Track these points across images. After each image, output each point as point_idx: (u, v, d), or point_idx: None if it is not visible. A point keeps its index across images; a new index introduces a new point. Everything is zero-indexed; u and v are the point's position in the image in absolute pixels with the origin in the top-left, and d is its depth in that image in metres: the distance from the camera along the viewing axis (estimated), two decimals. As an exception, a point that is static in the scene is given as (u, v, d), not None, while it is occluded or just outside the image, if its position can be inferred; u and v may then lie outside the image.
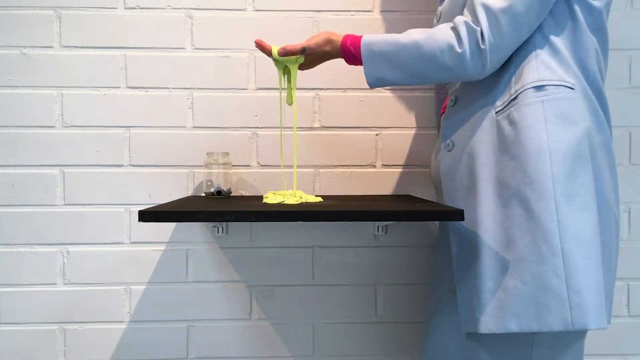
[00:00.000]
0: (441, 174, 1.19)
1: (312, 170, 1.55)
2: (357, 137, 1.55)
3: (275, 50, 1.23)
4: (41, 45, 1.51)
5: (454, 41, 1.06)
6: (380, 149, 1.55)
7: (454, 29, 1.07)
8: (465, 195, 1.13)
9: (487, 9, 1.04)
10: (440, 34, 1.07)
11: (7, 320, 1.51)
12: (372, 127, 1.55)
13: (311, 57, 1.22)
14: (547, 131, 1.04)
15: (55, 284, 1.52)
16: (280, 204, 1.20)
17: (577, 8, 1.07)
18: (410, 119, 1.55)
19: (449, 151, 1.17)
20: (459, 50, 1.05)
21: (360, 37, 1.16)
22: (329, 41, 1.19)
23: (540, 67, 1.07)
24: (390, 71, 1.12)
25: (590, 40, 1.08)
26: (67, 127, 1.51)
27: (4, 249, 1.51)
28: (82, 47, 1.51)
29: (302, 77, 1.53)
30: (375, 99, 1.55)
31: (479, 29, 1.04)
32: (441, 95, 1.39)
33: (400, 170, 1.56)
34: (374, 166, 1.56)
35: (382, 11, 1.55)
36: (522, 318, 1.02)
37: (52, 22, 1.51)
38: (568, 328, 0.99)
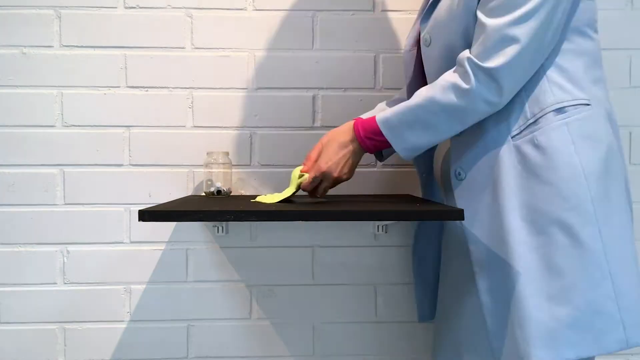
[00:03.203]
0: (457, 203, 1.15)
1: (312, 170, 1.54)
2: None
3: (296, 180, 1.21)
4: (41, 45, 1.51)
5: (458, 80, 1.04)
6: (380, 149, 1.55)
7: (459, 67, 1.05)
8: (488, 224, 1.10)
9: (494, 30, 1.02)
10: (444, 81, 1.06)
11: (7, 320, 1.51)
12: (372, 127, 1.55)
13: (334, 169, 1.18)
14: (577, 154, 1.04)
15: (55, 283, 1.52)
16: (280, 204, 1.20)
17: (570, 34, 1.08)
18: (410, 119, 1.55)
19: (460, 180, 1.14)
20: (467, 87, 1.03)
21: (373, 120, 1.13)
22: (343, 146, 1.17)
23: (554, 88, 1.06)
24: (417, 136, 1.10)
25: (591, 53, 1.09)
26: (67, 127, 1.51)
27: (4, 249, 1.51)
28: (82, 46, 1.51)
29: (302, 77, 1.54)
30: (375, 99, 1.55)
31: (483, 52, 1.02)
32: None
33: (400, 170, 1.56)
34: (374, 166, 1.56)
35: (382, 11, 1.55)
36: (578, 345, 1.01)
37: (52, 22, 1.51)
38: (624, 347, 1.01)
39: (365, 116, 1.23)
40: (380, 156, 1.33)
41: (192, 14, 1.53)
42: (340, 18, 1.54)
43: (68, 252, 1.52)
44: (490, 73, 1.02)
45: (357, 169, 1.54)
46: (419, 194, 1.53)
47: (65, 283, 1.52)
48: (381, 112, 1.14)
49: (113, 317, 1.53)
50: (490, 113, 1.08)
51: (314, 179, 1.19)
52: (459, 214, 1.02)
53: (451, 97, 1.05)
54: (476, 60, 1.03)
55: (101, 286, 1.53)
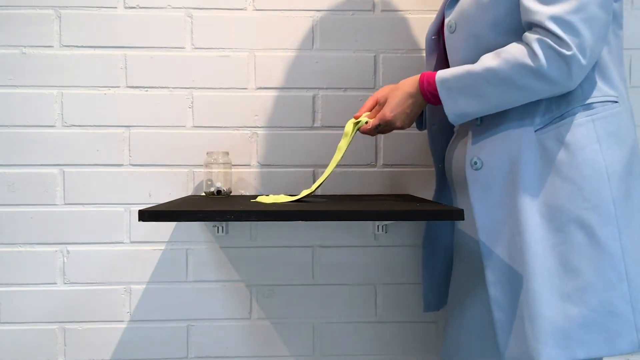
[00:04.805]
0: (470, 193, 1.13)
1: (311, 170, 1.55)
2: (357, 136, 1.54)
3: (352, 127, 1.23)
4: (41, 44, 1.51)
5: (526, 59, 1.00)
6: (380, 149, 1.56)
7: (526, 46, 1.01)
8: (503, 217, 1.09)
9: (556, 18, 0.98)
10: (509, 55, 1.02)
11: (7, 320, 1.51)
12: (372, 127, 1.55)
13: (400, 116, 1.18)
14: (602, 153, 1.03)
15: (55, 283, 1.52)
16: (279, 204, 1.20)
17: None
18: (410, 119, 1.55)
19: (476, 170, 1.12)
20: (534, 66, 0.99)
21: (434, 76, 1.11)
22: (409, 96, 1.16)
23: (583, 84, 1.05)
24: (469, 103, 1.07)
25: (617, 50, 1.09)
26: (67, 126, 1.51)
27: (4, 249, 1.51)
28: (82, 46, 1.51)
29: (302, 77, 1.54)
30: (375, 99, 1.55)
31: (553, 37, 0.98)
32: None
33: (400, 170, 1.56)
34: (374, 166, 1.56)
35: (382, 11, 1.55)
36: (590, 345, 1.01)
37: (52, 22, 1.51)
38: (636, 349, 1.01)
39: None
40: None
41: (192, 14, 1.53)
42: (340, 18, 1.54)
43: (68, 252, 1.52)
44: (565, 58, 0.97)
45: (357, 169, 1.55)
46: (419, 193, 1.53)
47: (65, 283, 1.52)
48: (442, 71, 1.10)
49: (113, 317, 1.53)
50: (548, 96, 1.05)
51: (378, 126, 1.19)
52: (459, 214, 1.02)
53: (514, 73, 1.01)
54: (552, 43, 0.98)
55: (101, 286, 1.53)
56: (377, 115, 1.19)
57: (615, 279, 1.01)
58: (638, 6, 1.57)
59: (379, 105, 1.21)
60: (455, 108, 1.09)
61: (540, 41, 0.99)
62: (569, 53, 0.97)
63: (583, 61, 0.98)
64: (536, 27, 1.00)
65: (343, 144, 1.25)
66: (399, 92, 1.17)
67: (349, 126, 1.24)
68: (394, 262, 1.56)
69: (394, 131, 1.54)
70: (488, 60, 1.04)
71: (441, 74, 1.10)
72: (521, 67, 1.01)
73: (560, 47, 0.97)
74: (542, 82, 1.00)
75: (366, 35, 1.54)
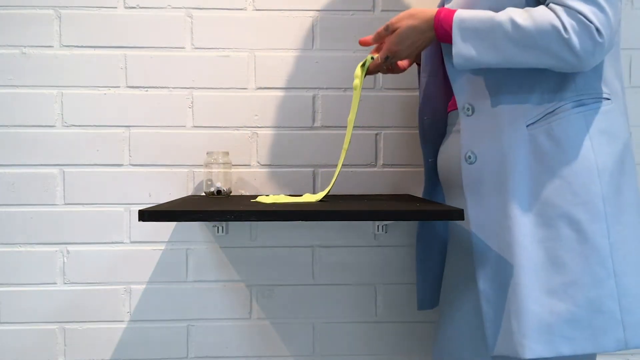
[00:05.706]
0: (464, 187, 1.13)
1: (311, 170, 1.55)
2: (357, 136, 1.55)
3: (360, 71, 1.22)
4: (41, 44, 1.51)
5: (557, 23, 0.97)
6: (380, 149, 1.56)
7: (554, 12, 0.99)
8: (493, 211, 1.09)
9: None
10: (539, 15, 0.99)
11: (7, 320, 1.51)
12: (372, 127, 1.55)
13: (403, 44, 1.14)
14: (593, 149, 1.03)
15: (55, 283, 1.52)
16: (279, 204, 1.20)
17: None
18: (410, 119, 1.55)
19: (470, 164, 1.12)
20: (564, 34, 0.97)
21: (453, 13, 1.07)
22: (419, 32, 1.11)
23: (577, 79, 1.04)
24: (479, 50, 1.03)
25: (617, 44, 1.08)
26: (67, 126, 1.51)
27: (4, 249, 1.51)
28: (82, 46, 1.51)
29: (302, 77, 1.54)
30: (375, 99, 1.55)
31: (580, 14, 0.97)
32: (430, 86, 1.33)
33: (400, 170, 1.56)
34: (374, 166, 1.56)
35: (382, 11, 1.55)
36: (575, 341, 1.00)
37: (52, 22, 1.51)
38: (622, 348, 1.00)
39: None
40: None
41: (192, 14, 1.53)
42: (340, 18, 1.54)
43: (68, 252, 1.52)
44: (592, 35, 0.96)
45: (357, 169, 1.55)
46: (419, 193, 1.53)
47: (65, 283, 1.52)
48: (463, 10, 1.06)
49: (113, 317, 1.53)
50: (559, 69, 1.02)
51: (386, 58, 1.17)
52: (459, 214, 1.02)
53: (537, 34, 0.98)
54: (580, 16, 0.96)
55: (101, 286, 1.53)
56: (384, 48, 1.17)
57: (603, 276, 1.00)
58: (638, 6, 1.57)
59: (386, 30, 1.16)
60: (464, 50, 1.04)
61: (568, 11, 0.97)
62: (600, 39, 0.96)
63: (605, 42, 0.98)
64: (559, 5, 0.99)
65: (352, 116, 1.23)
66: (409, 22, 1.12)
67: (357, 77, 1.21)
68: (393, 262, 1.56)
69: (395, 132, 1.55)
70: (514, 13, 1.01)
71: (461, 12, 1.06)
72: (550, 29, 0.98)
73: (589, 21, 0.96)
74: (565, 51, 0.98)
75: (366, 35, 1.54)
